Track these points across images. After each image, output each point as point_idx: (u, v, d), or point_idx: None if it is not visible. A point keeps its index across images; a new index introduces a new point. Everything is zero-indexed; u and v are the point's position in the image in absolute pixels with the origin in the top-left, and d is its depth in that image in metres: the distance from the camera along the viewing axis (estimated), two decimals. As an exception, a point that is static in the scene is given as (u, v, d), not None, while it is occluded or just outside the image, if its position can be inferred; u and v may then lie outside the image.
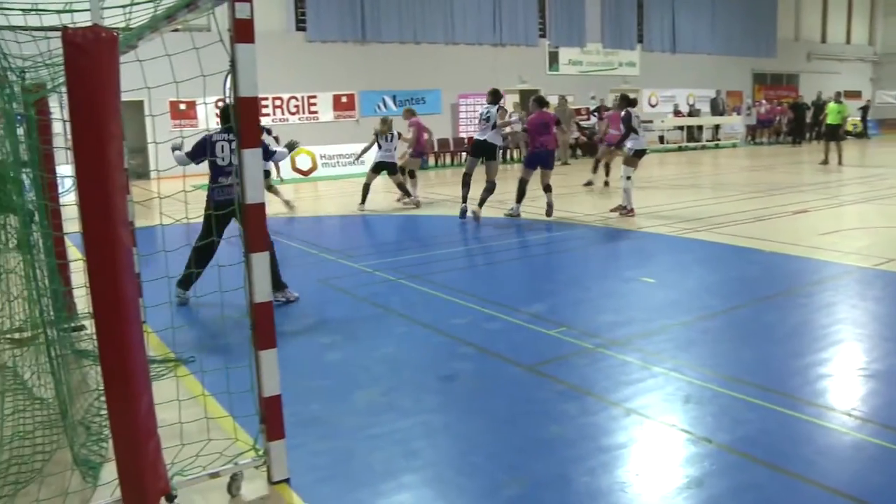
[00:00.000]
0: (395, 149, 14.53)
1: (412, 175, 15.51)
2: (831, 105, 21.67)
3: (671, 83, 33.84)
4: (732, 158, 25.72)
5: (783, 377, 5.25)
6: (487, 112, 12.72)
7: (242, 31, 3.56)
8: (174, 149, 7.43)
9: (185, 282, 7.39)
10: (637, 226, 11.55)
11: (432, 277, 8.38)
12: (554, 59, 30.44)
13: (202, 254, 7.09)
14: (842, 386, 5.13)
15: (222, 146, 7.47)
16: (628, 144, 12.66)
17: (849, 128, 27.69)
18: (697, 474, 3.90)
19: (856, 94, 40.74)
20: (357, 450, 4.29)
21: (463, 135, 26.02)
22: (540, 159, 12.53)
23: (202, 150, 7.48)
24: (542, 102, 12.86)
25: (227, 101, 3.77)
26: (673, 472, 3.97)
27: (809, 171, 20.43)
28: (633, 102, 13.47)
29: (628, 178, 12.38)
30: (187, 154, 7.42)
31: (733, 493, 3.71)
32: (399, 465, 4.08)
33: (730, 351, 5.89)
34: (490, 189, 12.59)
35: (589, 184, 17.15)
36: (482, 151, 12.67)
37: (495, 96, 13.00)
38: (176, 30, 4.41)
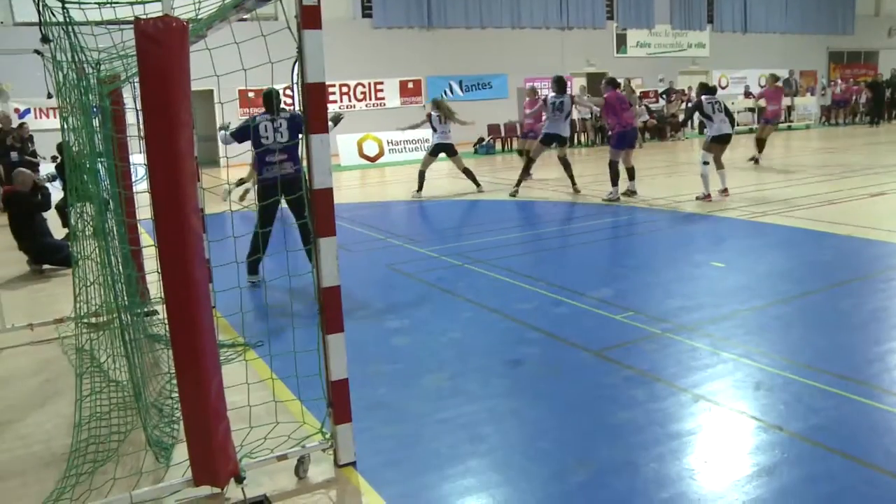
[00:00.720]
0: (450, 131, 14.46)
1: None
2: None
3: (742, 64, 33.05)
4: (805, 140, 24.97)
5: (860, 365, 5.09)
6: (560, 102, 12.67)
7: (310, 18, 3.58)
8: (221, 128, 7.84)
9: (252, 267, 7.71)
10: (707, 209, 11.33)
11: (498, 262, 8.36)
12: (622, 41, 30.03)
13: (262, 239, 7.40)
14: (922, 374, 4.96)
15: (265, 126, 7.80)
16: (705, 131, 12.52)
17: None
18: (768, 463, 3.82)
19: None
20: (423, 434, 4.31)
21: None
22: (628, 138, 12.65)
23: (245, 133, 7.90)
24: (614, 83, 12.86)
25: (295, 87, 3.79)
26: (743, 459, 3.89)
27: (888, 152, 19.74)
28: (713, 90, 13.27)
29: (705, 163, 12.18)
30: (231, 134, 7.86)
31: (806, 483, 3.63)
32: (465, 450, 4.08)
33: (803, 337, 5.74)
34: (568, 164, 12.72)
35: (755, 160, 17.26)
36: (554, 140, 12.75)
37: (562, 84, 12.95)
38: (243, 19, 4.46)
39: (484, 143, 22.82)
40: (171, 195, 3.26)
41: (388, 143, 21.74)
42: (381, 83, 25.11)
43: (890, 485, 3.59)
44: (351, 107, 24.37)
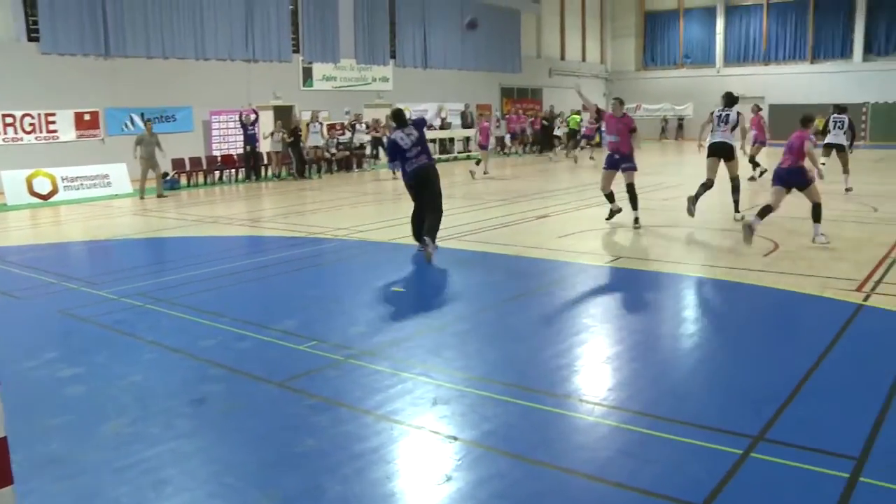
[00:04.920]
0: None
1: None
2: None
3: (424, 97, 34.85)
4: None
5: (524, 372, 5.62)
6: (726, 114, 12.48)
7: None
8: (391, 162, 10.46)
9: (417, 236, 10.33)
10: (389, 237, 11.80)
11: (181, 300, 8.09)
12: (308, 74, 30.41)
13: (416, 218, 10.37)
14: (575, 375, 5.59)
15: (401, 137, 10.10)
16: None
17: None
18: (445, 471, 4.09)
19: (592, 107, 44.04)
20: (102, 486, 4.09)
21: (216, 152, 25.27)
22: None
23: (394, 151, 10.23)
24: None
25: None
26: (422, 470, 4.14)
27: (552, 178, 21.83)
28: (735, 100, 13.20)
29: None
30: (389, 161, 10.63)
31: (479, 484, 3.95)
32: (148, 496, 3.94)
33: (477, 352, 6.20)
34: (737, 188, 12.62)
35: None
36: (721, 152, 12.53)
37: (732, 99, 12.79)
38: None
39: (168, 178, 21.91)
40: None
41: (62, 179, 20.02)
42: (54, 114, 23.26)
43: (551, 475, 4.03)
44: (18, 140, 22.37)
